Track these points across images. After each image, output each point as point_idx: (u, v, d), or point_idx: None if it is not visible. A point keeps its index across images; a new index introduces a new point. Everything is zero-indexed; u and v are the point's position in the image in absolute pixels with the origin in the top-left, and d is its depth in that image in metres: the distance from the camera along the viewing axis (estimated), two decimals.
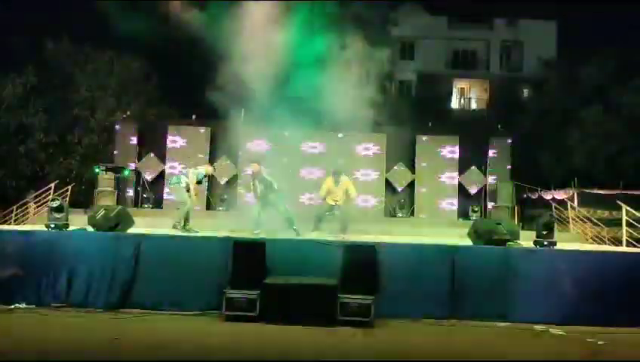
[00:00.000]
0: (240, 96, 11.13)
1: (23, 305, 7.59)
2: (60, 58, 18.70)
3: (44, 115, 17.33)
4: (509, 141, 15.33)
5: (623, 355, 6.25)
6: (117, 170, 14.19)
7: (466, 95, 34.30)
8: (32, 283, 7.73)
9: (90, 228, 8.55)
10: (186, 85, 11.87)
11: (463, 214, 14.69)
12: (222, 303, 7.19)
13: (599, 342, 6.66)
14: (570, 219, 13.91)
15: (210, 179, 13.35)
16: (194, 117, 15.49)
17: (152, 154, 14.83)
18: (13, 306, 7.53)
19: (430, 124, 16.76)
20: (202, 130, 14.89)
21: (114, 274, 7.75)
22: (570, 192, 16.02)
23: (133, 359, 5.48)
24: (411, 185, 14.97)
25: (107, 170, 14.05)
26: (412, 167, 15.00)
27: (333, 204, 10.42)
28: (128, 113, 17.41)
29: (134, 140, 15.09)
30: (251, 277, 7.27)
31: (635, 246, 10.90)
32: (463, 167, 14.98)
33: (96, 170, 14.05)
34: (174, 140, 14.88)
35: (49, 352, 5.57)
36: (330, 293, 7.11)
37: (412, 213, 14.76)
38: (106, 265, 7.78)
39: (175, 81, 11.91)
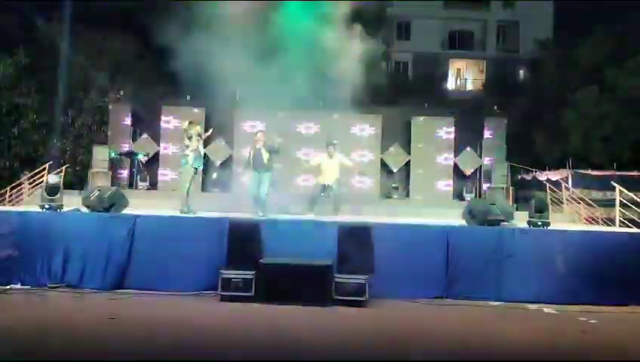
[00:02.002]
0: (234, 75, 11.04)
1: (19, 286, 7.61)
2: (52, 37, 18.45)
3: (37, 96, 17.15)
4: (505, 122, 15.33)
5: (614, 333, 6.32)
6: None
7: (462, 76, 34.14)
8: (27, 264, 7.73)
9: (84, 209, 8.53)
10: (181, 65, 11.74)
11: (458, 195, 14.73)
12: (218, 283, 7.22)
13: (591, 321, 6.74)
14: (565, 200, 13.98)
15: (207, 161, 13.27)
16: (188, 97, 15.36)
17: (146, 135, 14.74)
18: (8, 287, 7.55)
19: (426, 105, 16.70)
20: (197, 110, 14.77)
21: (109, 255, 7.76)
22: (565, 173, 16.05)
23: (130, 339, 5.51)
24: (406, 167, 14.97)
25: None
26: (407, 148, 14.97)
27: (326, 184, 10.41)
28: (122, 93, 17.23)
29: (128, 121, 14.98)
30: (247, 257, 7.30)
31: (628, 226, 10.97)
32: (458, 147, 14.97)
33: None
34: (168, 121, 14.77)
35: (46, 332, 5.59)
36: (325, 273, 7.14)
37: (407, 194, 14.79)
38: (101, 246, 7.79)
39: (169, 60, 11.80)
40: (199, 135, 9.60)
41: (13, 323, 5.90)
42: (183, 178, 9.47)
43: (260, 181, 9.54)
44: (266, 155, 9.52)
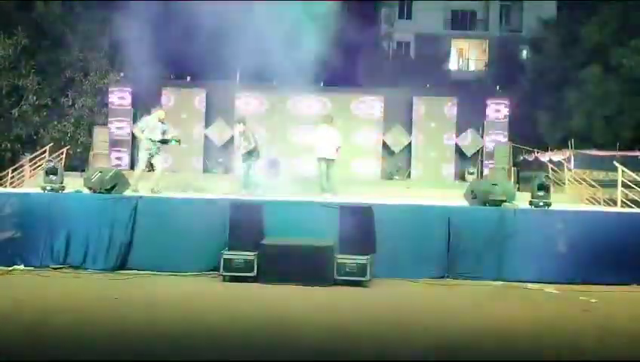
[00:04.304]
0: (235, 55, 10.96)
1: (22, 267, 7.64)
2: (51, 18, 18.29)
3: (37, 77, 17.08)
4: (507, 102, 15.24)
5: (614, 313, 6.35)
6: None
7: (465, 56, 33.85)
8: (30, 246, 7.76)
9: (86, 191, 8.53)
10: (181, 45, 11.65)
11: (460, 176, 14.72)
12: (219, 264, 7.24)
13: (592, 300, 6.76)
14: (567, 180, 13.95)
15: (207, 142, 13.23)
16: (188, 78, 15.27)
17: (146, 116, 14.65)
18: (11, 268, 7.58)
19: (428, 86, 16.59)
20: (197, 90, 14.71)
21: (111, 236, 7.77)
22: (567, 153, 16.01)
23: (132, 318, 5.55)
24: (408, 148, 14.92)
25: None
26: (409, 129, 14.91)
27: (328, 158, 10.37)
28: (122, 74, 17.14)
29: (128, 102, 14.92)
30: (249, 238, 7.29)
31: (629, 207, 10.96)
32: (460, 128, 14.91)
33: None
34: (169, 102, 14.68)
35: (49, 313, 5.62)
36: (327, 254, 7.16)
37: (409, 175, 14.77)
38: (103, 227, 7.80)
39: (169, 41, 11.72)
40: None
41: (16, 304, 5.93)
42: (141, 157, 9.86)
43: (253, 166, 10.09)
44: (244, 143, 10.03)
